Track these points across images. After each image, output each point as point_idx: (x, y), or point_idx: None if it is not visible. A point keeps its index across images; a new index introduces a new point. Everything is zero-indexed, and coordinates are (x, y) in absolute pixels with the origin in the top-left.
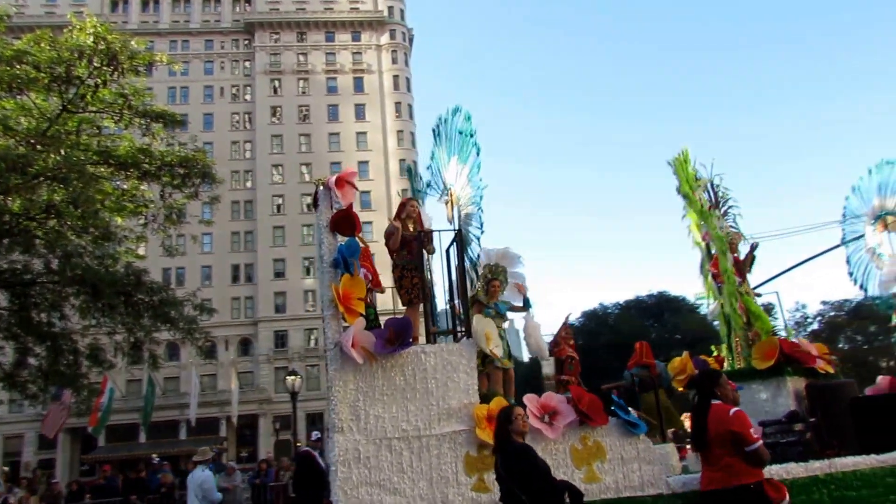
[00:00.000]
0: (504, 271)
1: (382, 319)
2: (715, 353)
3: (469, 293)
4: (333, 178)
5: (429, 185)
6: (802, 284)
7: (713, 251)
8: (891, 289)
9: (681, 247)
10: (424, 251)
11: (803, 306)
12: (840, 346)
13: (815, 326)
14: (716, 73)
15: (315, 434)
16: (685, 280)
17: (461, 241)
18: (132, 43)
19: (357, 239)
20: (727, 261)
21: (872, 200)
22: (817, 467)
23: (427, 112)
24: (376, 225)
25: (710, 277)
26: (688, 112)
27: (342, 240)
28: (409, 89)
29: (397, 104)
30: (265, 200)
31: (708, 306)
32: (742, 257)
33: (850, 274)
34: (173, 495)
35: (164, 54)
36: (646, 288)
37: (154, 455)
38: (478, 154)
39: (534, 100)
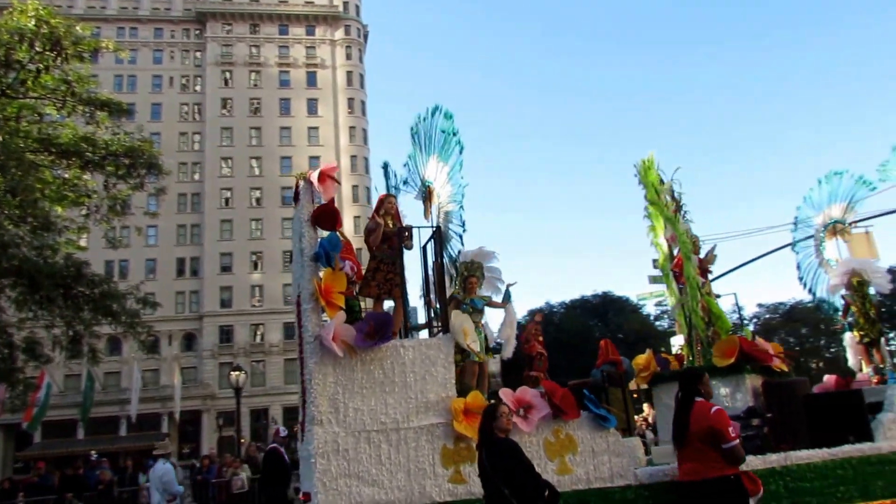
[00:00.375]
0: (480, 268)
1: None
2: (676, 352)
3: (448, 289)
4: (315, 172)
5: (405, 181)
6: (741, 287)
7: (675, 253)
8: (837, 293)
9: (624, 249)
10: (403, 246)
11: (740, 308)
12: None
13: (751, 328)
14: (673, 70)
15: (283, 430)
16: (628, 281)
17: (440, 237)
18: (77, 28)
19: (338, 233)
20: (692, 263)
21: (822, 209)
22: (774, 460)
23: (380, 109)
24: None
25: (672, 278)
26: (635, 112)
27: (323, 234)
28: (362, 86)
29: (350, 100)
30: (213, 193)
31: (670, 305)
32: (703, 259)
33: (801, 279)
34: (112, 492)
35: (111, 41)
36: (591, 288)
37: (93, 452)
38: (460, 152)
39: (485, 101)
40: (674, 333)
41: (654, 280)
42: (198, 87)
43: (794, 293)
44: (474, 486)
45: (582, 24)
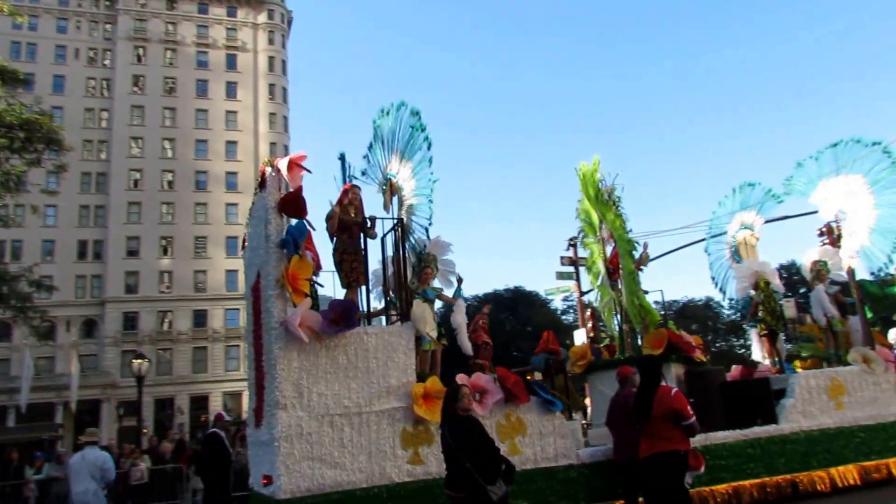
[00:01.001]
0: (435, 259)
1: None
2: (606, 342)
3: (409, 279)
4: (285, 160)
5: (364, 172)
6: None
7: (609, 251)
8: (745, 293)
9: (534, 247)
10: (367, 236)
11: (664, 304)
12: None
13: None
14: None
15: (224, 415)
16: (537, 277)
17: (403, 229)
18: None
19: (305, 222)
20: (631, 261)
21: (734, 216)
22: (696, 440)
23: (302, 96)
24: (242, 207)
25: (604, 275)
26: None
27: (291, 222)
28: (284, 72)
29: (271, 86)
30: (121, 174)
31: (597, 300)
32: (638, 259)
33: (713, 278)
34: None
35: (7, 3)
36: (503, 283)
37: None
38: (429, 148)
39: (406, 94)
40: (578, 327)
41: (561, 276)
42: (107, 62)
43: (686, 292)
44: (432, 466)
45: (503, 14)
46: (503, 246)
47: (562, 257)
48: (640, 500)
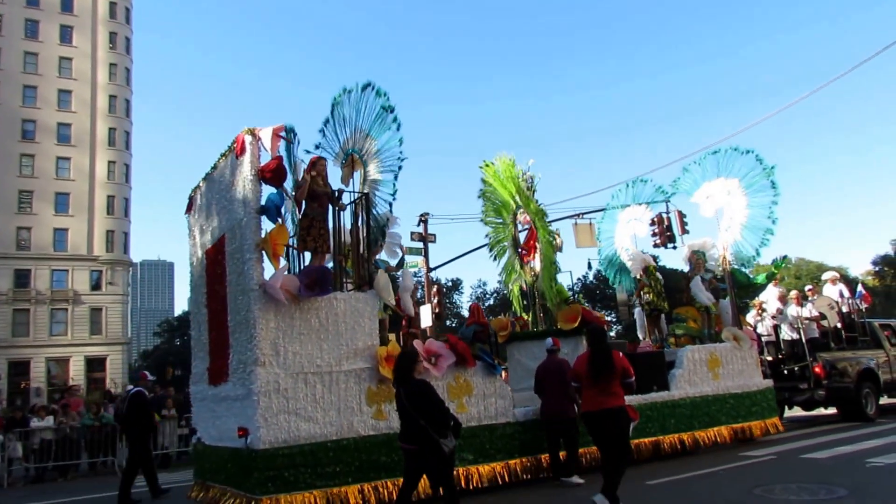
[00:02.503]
0: (384, 233)
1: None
2: (519, 316)
3: (373, 250)
4: (268, 129)
5: (317, 146)
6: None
7: (521, 236)
8: (635, 274)
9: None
10: (336, 208)
11: (484, 283)
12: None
13: (491, 302)
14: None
15: (147, 374)
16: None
17: (367, 202)
18: None
19: (282, 190)
20: (552, 250)
21: (624, 208)
22: None
23: (149, 51)
24: (75, 162)
25: (512, 254)
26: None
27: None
28: (128, 20)
29: (112, 34)
30: None
31: (511, 281)
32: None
33: (600, 263)
34: None
35: None
36: None
37: None
38: (398, 129)
39: (261, 61)
40: (423, 302)
41: (410, 251)
42: None
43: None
44: (393, 421)
45: None
46: None
47: (412, 233)
48: (562, 452)
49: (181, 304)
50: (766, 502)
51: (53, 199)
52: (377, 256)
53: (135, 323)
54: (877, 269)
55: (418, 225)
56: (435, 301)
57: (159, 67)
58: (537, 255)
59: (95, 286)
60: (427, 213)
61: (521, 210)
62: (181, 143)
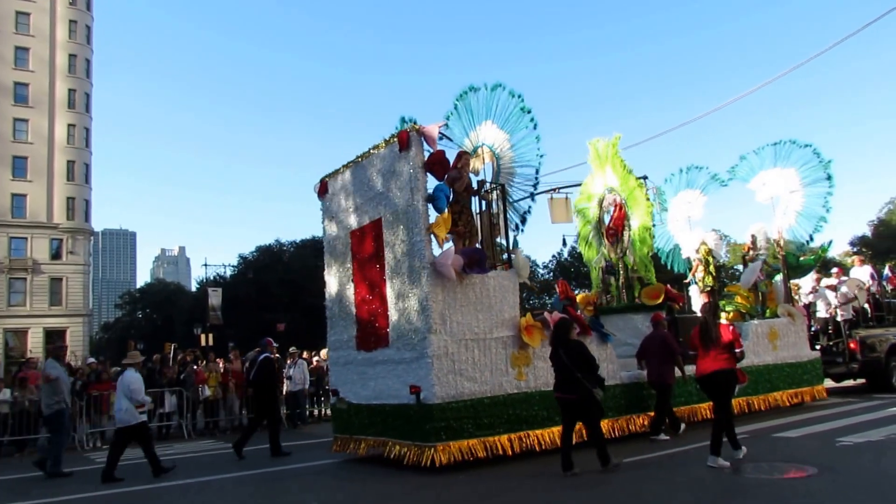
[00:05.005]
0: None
1: None
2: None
3: (512, 235)
4: (433, 126)
5: (441, 137)
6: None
7: (606, 217)
8: (691, 255)
9: None
10: (482, 199)
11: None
12: None
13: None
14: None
15: (272, 341)
16: None
17: (504, 192)
18: None
19: (444, 183)
20: (649, 228)
21: (678, 192)
22: (688, 369)
23: (110, 8)
24: (33, 124)
25: (601, 235)
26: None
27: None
28: None
29: None
30: None
31: (595, 260)
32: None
33: (656, 246)
34: None
35: None
36: (321, 229)
37: None
38: (535, 128)
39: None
40: None
41: None
42: None
43: None
44: (530, 381)
45: None
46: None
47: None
48: (651, 413)
49: (143, 276)
50: (736, 481)
51: (10, 163)
52: (496, 239)
53: (96, 294)
54: (854, 249)
55: None
56: None
57: (122, 26)
58: (626, 234)
59: (55, 255)
60: None
61: (610, 191)
62: (146, 107)
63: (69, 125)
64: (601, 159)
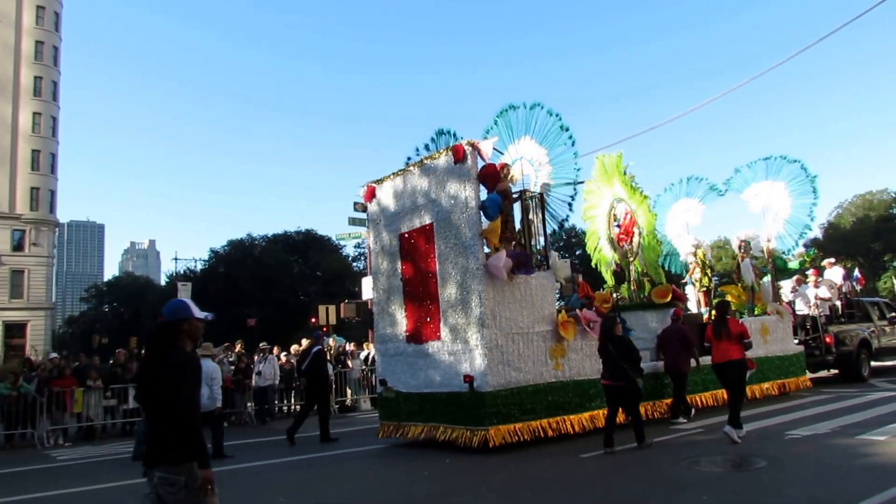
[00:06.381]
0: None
1: None
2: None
3: (548, 240)
4: (487, 142)
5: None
6: None
7: (618, 225)
8: (687, 258)
9: (328, 192)
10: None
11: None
12: None
13: None
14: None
15: (323, 334)
16: (330, 222)
17: (542, 201)
18: None
19: (496, 193)
20: (655, 239)
21: (678, 199)
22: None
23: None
24: None
25: (605, 241)
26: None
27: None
28: None
29: None
30: None
31: (609, 265)
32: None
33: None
34: None
35: None
36: (294, 224)
37: None
38: (573, 144)
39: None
40: (366, 274)
41: (353, 222)
42: None
43: None
44: (566, 372)
45: None
46: (295, 187)
47: (355, 203)
48: (668, 400)
49: (112, 269)
50: (691, 474)
51: None
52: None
53: (60, 287)
54: (806, 251)
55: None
56: None
57: (93, 15)
58: (635, 239)
59: (17, 247)
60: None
61: (618, 201)
62: (117, 99)
63: (34, 113)
64: (608, 174)
